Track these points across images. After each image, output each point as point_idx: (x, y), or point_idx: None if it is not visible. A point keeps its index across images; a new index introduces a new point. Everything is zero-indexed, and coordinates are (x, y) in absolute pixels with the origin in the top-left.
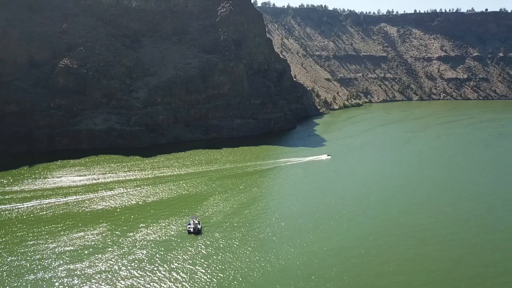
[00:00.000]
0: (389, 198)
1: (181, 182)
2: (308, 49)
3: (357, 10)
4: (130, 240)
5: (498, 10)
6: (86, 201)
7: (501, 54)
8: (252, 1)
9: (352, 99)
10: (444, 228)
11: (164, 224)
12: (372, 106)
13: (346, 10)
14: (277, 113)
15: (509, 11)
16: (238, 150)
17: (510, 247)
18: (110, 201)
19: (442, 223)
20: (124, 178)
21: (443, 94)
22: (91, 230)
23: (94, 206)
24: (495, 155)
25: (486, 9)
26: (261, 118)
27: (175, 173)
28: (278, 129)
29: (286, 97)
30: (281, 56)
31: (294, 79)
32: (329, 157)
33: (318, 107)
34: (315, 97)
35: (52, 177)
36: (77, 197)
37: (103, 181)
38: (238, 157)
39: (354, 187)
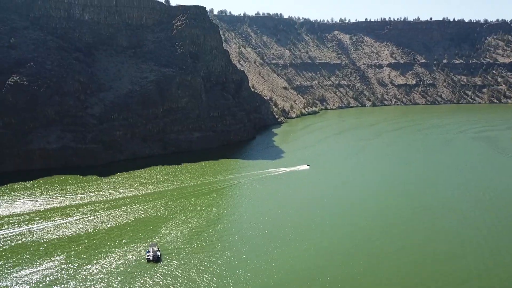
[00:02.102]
0: (346, 214)
1: (140, 205)
2: (265, 58)
3: (312, 18)
4: (87, 273)
5: (441, 19)
6: (40, 231)
7: (445, 61)
8: (208, 10)
9: (309, 107)
10: (391, 243)
11: (122, 253)
12: (328, 113)
13: (301, 18)
14: (236, 125)
15: (451, 20)
16: (197, 165)
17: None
18: (66, 229)
19: (391, 237)
20: (80, 202)
21: (394, 99)
22: (46, 263)
23: (49, 236)
24: (441, 164)
25: (431, 18)
26: (220, 130)
27: (133, 194)
28: (238, 140)
29: (244, 108)
30: (238, 65)
31: (253, 89)
32: (308, 167)
33: (276, 116)
34: (273, 106)
35: (1, 202)
36: (31, 226)
37: (58, 205)
38: (198, 173)
39: (310, 203)
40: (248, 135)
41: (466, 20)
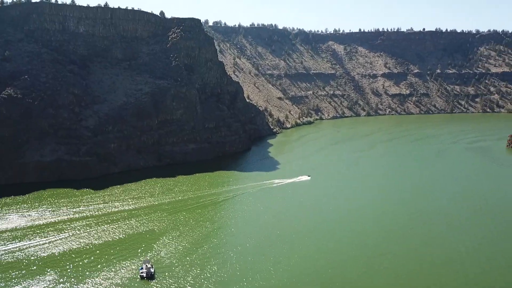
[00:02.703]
0: (348, 229)
1: (133, 219)
2: (260, 68)
3: (306, 29)
4: None
5: (434, 29)
6: (32, 247)
7: (438, 71)
8: (203, 21)
9: (304, 117)
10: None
11: (116, 270)
12: (323, 123)
13: (295, 29)
14: (232, 136)
15: (444, 30)
16: (192, 177)
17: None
18: (58, 246)
19: (386, 250)
20: (73, 217)
21: (388, 109)
22: (38, 282)
23: (41, 253)
24: (436, 173)
25: (424, 29)
26: (216, 142)
27: (127, 208)
28: (233, 152)
29: (240, 119)
30: (233, 75)
31: (248, 100)
32: (309, 177)
33: (272, 127)
34: (268, 117)
35: None
36: (23, 242)
37: (51, 220)
38: (192, 186)
39: (307, 216)
40: (243, 146)
41: (459, 30)
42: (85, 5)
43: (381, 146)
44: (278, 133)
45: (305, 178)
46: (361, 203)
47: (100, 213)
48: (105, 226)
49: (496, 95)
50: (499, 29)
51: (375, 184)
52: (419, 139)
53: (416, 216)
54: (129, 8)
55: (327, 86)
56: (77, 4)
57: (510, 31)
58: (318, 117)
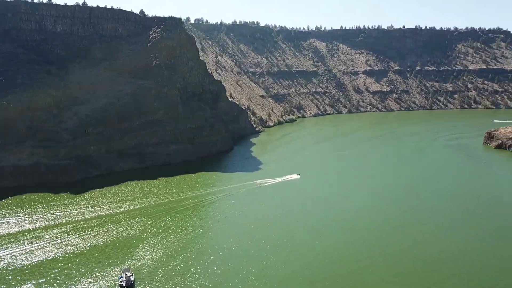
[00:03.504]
0: (333, 232)
1: (113, 225)
2: (242, 66)
3: (288, 26)
4: None
5: (413, 27)
6: (7, 256)
7: (418, 68)
8: (184, 18)
9: (286, 115)
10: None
11: (94, 280)
12: (305, 121)
13: (277, 26)
14: (214, 136)
15: (423, 28)
16: (174, 179)
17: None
18: (35, 254)
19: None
20: (51, 223)
21: (370, 106)
22: None
23: (17, 262)
24: (417, 173)
25: (404, 26)
26: (198, 142)
27: (107, 212)
28: (216, 152)
29: (222, 119)
30: (216, 73)
31: (230, 98)
32: (299, 176)
33: (254, 125)
34: (251, 115)
35: None
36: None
37: (29, 227)
38: (174, 188)
39: (294, 217)
40: (226, 146)
41: (438, 28)
42: (62, 3)
43: (363, 145)
44: (261, 131)
45: (294, 176)
46: (351, 202)
47: (79, 218)
48: (84, 232)
49: (474, 91)
50: (476, 27)
51: (361, 184)
52: (400, 137)
53: (407, 214)
54: (108, 7)
55: (309, 83)
56: (54, 3)
57: (486, 29)
58: (300, 115)
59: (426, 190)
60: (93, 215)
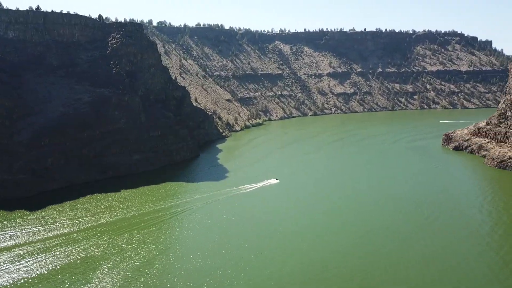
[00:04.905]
0: (291, 242)
1: (71, 245)
2: (207, 70)
3: (253, 29)
4: None
5: (374, 29)
6: None
7: (379, 70)
8: (147, 21)
9: (253, 119)
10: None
11: None
12: (272, 124)
13: (242, 29)
14: (179, 143)
15: (383, 30)
16: (137, 191)
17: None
18: None
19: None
20: (3, 245)
21: (334, 108)
22: None
23: None
24: (380, 176)
25: (365, 29)
26: (162, 151)
27: (64, 231)
28: (181, 160)
29: (187, 125)
30: (180, 78)
31: (195, 103)
32: (278, 181)
33: (221, 131)
34: (217, 120)
35: None
36: None
37: None
38: (136, 201)
39: (265, 228)
40: (192, 153)
41: (397, 30)
42: (14, 8)
43: (327, 148)
44: (227, 136)
45: (273, 181)
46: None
47: (32, 239)
48: (38, 255)
49: (432, 92)
50: (433, 29)
51: (338, 187)
52: (362, 139)
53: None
54: (65, 11)
55: (275, 86)
56: (5, 8)
57: (442, 31)
58: (267, 118)
59: (382, 193)
60: (50, 234)
